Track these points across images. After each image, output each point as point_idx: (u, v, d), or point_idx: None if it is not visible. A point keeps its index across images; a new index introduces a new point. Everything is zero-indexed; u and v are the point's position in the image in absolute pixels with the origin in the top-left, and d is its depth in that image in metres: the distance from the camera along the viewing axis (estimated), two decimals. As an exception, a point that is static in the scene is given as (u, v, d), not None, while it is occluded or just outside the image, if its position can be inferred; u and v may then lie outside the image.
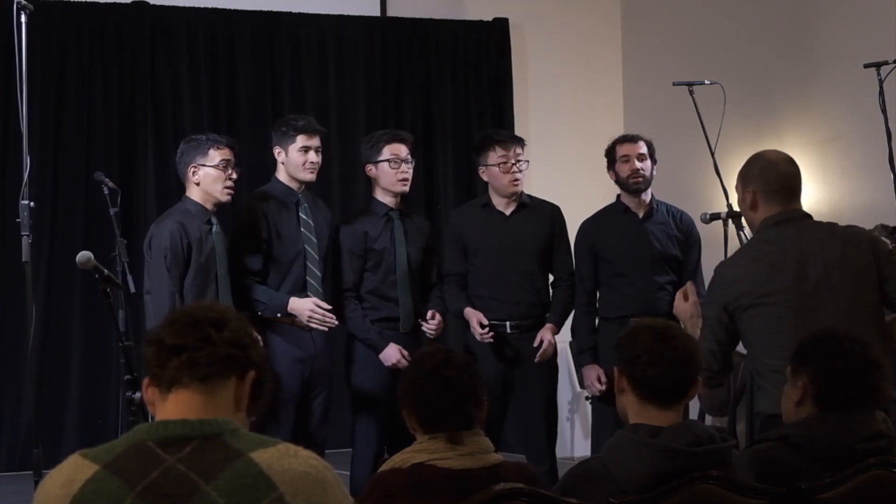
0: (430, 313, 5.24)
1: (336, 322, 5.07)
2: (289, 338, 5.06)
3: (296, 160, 5.11)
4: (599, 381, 5.25)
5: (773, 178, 3.67)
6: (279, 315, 5.01)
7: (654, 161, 5.42)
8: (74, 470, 1.91)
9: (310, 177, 5.15)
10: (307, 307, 4.99)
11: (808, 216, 3.72)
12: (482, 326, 5.17)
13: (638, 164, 5.35)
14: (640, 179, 5.36)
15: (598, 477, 2.70)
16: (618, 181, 5.43)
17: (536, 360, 5.23)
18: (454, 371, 2.79)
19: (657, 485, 2.62)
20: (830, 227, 3.71)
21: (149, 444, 1.91)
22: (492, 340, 5.19)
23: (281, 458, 1.91)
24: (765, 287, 3.53)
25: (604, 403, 5.25)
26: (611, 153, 5.44)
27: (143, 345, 2.03)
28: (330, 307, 5.04)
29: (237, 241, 5.09)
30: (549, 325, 5.30)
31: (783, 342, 3.39)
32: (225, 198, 4.92)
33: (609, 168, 5.45)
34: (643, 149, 5.39)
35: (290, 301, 5.00)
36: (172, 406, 1.97)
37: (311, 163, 5.12)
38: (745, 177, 3.73)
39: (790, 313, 3.51)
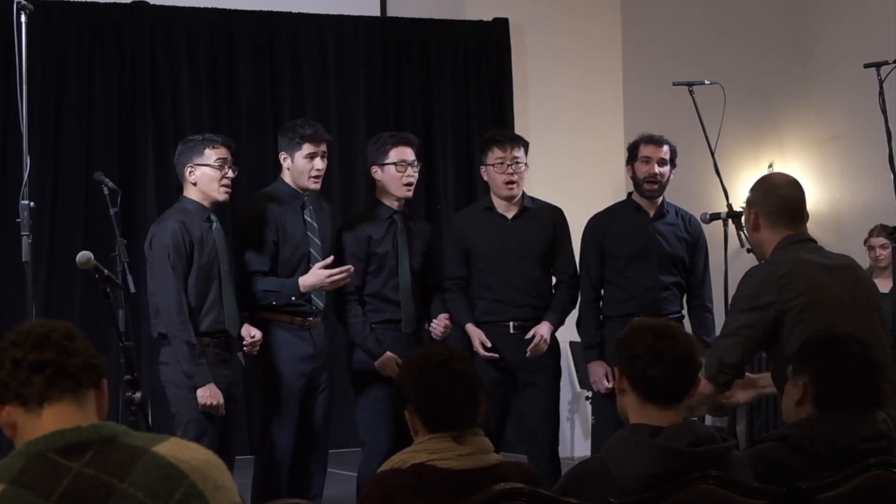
0: (440, 316, 5.24)
1: (351, 269, 5.04)
2: (290, 337, 5.05)
3: (301, 167, 5.09)
4: (607, 377, 5.25)
5: (775, 201, 3.68)
6: (294, 298, 5.00)
7: (673, 166, 5.41)
8: None
9: (314, 186, 5.13)
10: (322, 275, 4.94)
11: (814, 241, 3.75)
12: (485, 348, 5.20)
13: (657, 169, 5.33)
14: (656, 186, 5.34)
15: (598, 477, 2.70)
16: (633, 179, 5.42)
17: (527, 353, 5.22)
18: (460, 364, 2.79)
19: (657, 485, 2.62)
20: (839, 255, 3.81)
21: (49, 455, 1.89)
22: (496, 356, 5.21)
23: (180, 449, 1.95)
24: (816, 292, 3.50)
25: (607, 401, 5.24)
26: (633, 150, 5.42)
27: None
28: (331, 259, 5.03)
29: (245, 241, 5.09)
30: (545, 322, 5.30)
31: None
32: (222, 197, 4.91)
33: (628, 163, 5.44)
34: (666, 154, 5.36)
35: (299, 281, 4.98)
36: (51, 420, 1.95)
37: (317, 170, 5.10)
38: (749, 199, 3.76)
39: (838, 321, 3.47)
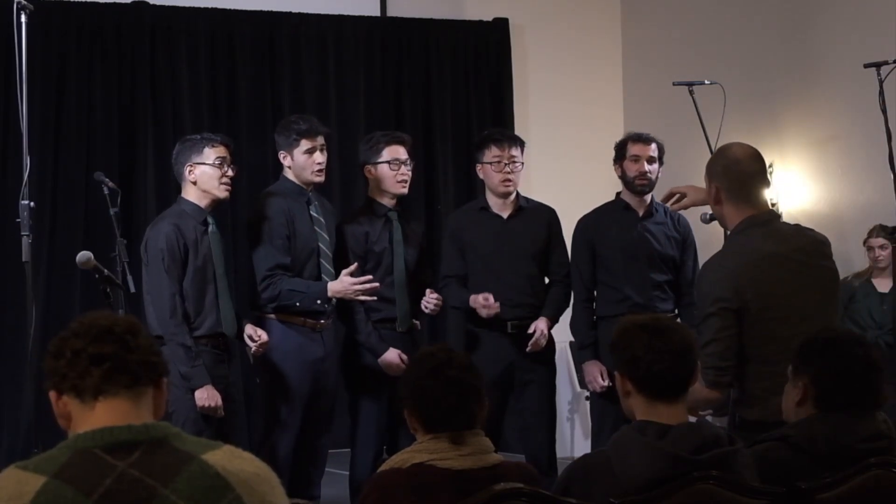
0: (429, 291, 5.23)
1: (377, 284, 5.03)
2: (299, 339, 5.04)
3: (302, 163, 5.10)
4: (601, 376, 5.25)
5: (735, 177, 3.63)
6: (318, 302, 4.99)
7: (661, 163, 5.42)
8: (18, 483, 1.83)
9: (318, 179, 5.14)
10: (348, 283, 4.94)
11: (778, 217, 3.72)
12: (487, 301, 5.16)
13: (647, 167, 5.34)
14: (646, 182, 5.35)
15: (602, 471, 2.69)
16: (623, 178, 5.43)
17: (528, 349, 5.23)
18: (456, 370, 2.77)
19: (657, 487, 2.62)
20: (800, 229, 3.77)
21: (95, 452, 1.86)
22: (498, 310, 5.17)
23: (231, 459, 1.91)
24: (765, 294, 3.49)
25: (603, 400, 5.26)
26: (621, 149, 5.43)
27: (46, 357, 1.97)
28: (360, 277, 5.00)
29: (258, 239, 5.05)
30: (542, 318, 5.30)
31: (776, 347, 3.41)
32: (223, 194, 4.90)
33: (616, 162, 5.44)
34: (654, 151, 5.38)
35: (328, 286, 4.97)
36: (104, 414, 1.92)
37: (318, 164, 5.11)
38: (709, 170, 3.70)
39: (786, 318, 3.49)
